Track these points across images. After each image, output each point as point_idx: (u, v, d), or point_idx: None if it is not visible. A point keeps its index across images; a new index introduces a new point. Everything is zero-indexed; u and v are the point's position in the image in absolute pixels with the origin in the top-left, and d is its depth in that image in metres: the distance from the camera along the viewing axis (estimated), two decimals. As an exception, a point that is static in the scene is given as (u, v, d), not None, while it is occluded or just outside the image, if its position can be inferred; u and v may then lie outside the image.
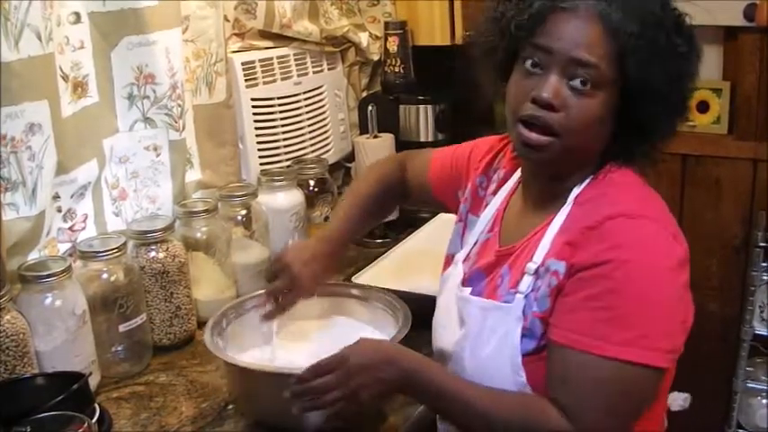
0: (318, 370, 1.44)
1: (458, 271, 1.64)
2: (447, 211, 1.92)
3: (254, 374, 1.64)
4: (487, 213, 1.65)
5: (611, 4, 1.34)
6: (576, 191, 1.44)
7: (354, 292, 1.98)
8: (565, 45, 1.36)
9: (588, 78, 1.36)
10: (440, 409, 1.50)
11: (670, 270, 1.34)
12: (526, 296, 1.43)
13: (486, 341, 1.48)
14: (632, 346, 1.30)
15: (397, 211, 2.70)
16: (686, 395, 1.75)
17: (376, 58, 3.06)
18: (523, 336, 1.42)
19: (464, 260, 1.65)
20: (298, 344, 1.87)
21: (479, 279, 1.58)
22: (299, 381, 1.45)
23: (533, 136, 1.40)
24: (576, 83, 1.37)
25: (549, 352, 1.39)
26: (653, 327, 1.31)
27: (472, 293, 1.58)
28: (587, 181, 1.44)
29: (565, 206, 1.43)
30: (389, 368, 1.44)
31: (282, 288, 1.79)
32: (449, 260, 1.71)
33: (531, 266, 1.43)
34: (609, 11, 1.34)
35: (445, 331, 1.62)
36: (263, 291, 1.86)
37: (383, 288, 1.95)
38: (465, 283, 1.62)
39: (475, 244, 1.65)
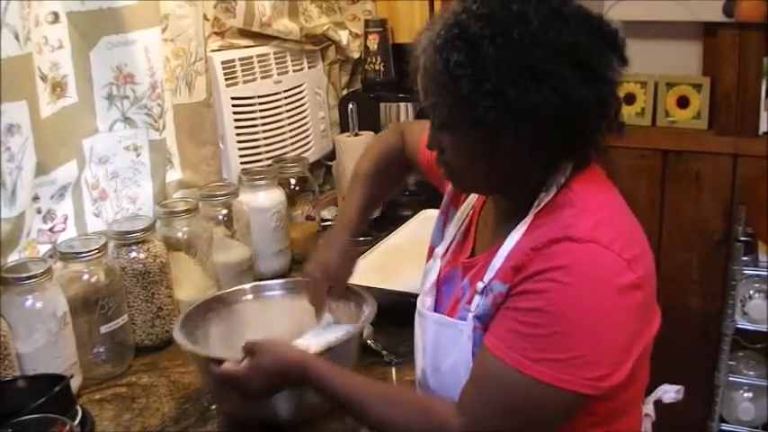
0: (221, 378, 1.57)
1: (436, 266, 1.64)
2: (440, 191, 1.90)
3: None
4: (464, 209, 1.65)
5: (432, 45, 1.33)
6: (536, 206, 1.40)
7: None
8: (419, 91, 1.40)
9: (437, 119, 1.39)
10: (338, 406, 1.50)
11: (608, 297, 1.28)
12: (475, 316, 1.42)
13: (445, 356, 1.49)
14: (548, 367, 1.27)
15: (380, 208, 2.70)
16: (679, 387, 1.74)
17: (356, 56, 3.06)
18: (473, 353, 1.42)
19: (443, 255, 1.65)
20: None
21: (454, 283, 1.57)
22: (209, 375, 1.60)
23: (445, 176, 1.50)
24: (435, 126, 1.41)
25: (478, 352, 1.39)
26: (577, 353, 1.27)
27: (440, 303, 1.59)
28: (551, 193, 1.39)
29: (521, 224, 1.40)
30: (287, 377, 1.51)
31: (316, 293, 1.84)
32: (431, 252, 1.71)
33: (480, 286, 1.42)
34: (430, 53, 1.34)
35: (417, 338, 1.63)
36: (236, 288, 1.96)
37: (357, 285, 1.94)
38: (440, 282, 1.62)
39: (453, 240, 1.65)
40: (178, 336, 1.73)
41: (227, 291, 1.97)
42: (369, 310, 1.77)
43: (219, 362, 1.58)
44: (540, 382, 1.27)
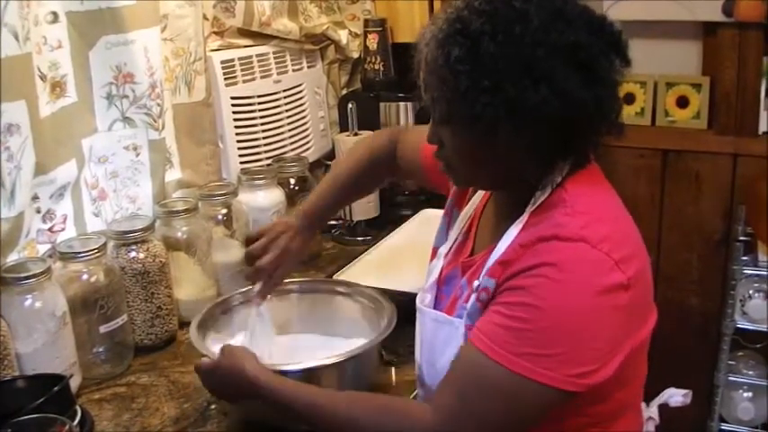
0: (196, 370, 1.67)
1: (439, 265, 1.64)
2: (439, 192, 1.88)
3: None
4: (467, 210, 1.65)
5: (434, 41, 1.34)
6: (532, 205, 1.40)
7: (341, 289, 2.01)
8: (421, 85, 1.41)
9: (437, 113, 1.39)
10: (296, 419, 1.52)
11: (594, 296, 1.28)
12: (467, 314, 1.43)
13: (440, 353, 1.49)
14: (531, 362, 1.27)
15: (379, 208, 2.70)
16: (686, 391, 1.74)
17: (356, 55, 3.05)
18: None
19: (446, 254, 1.65)
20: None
21: (453, 282, 1.58)
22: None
23: (443, 171, 1.50)
24: (435, 120, 1.42)
25: (460, 348, 1.40)
26: (560, 349, 1.27)
27: (439, 301, 1.60)
28: (547, 192, 1.39)
29: (516, 223, 1.40)
30: (238, 387, 1.56)
31: (270, 264, 1.85)
32: (434, 252, 1.71)
33: (476, 284, 1.43)
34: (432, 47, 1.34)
35: (417, 333, 1.64)
36: (247, 288, 1.94)
37: (372, 287, 1.96)
38: (441, 281, 1.62)
39: (455, 241, 1.65)
40: (193, 333, 1.79)
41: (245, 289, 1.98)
42: (387, 319, 1.78)
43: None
44: (521, 376, 1.28)
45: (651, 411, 1.67)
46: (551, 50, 1.26)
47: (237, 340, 1.84)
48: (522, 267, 1.31)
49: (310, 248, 2.49)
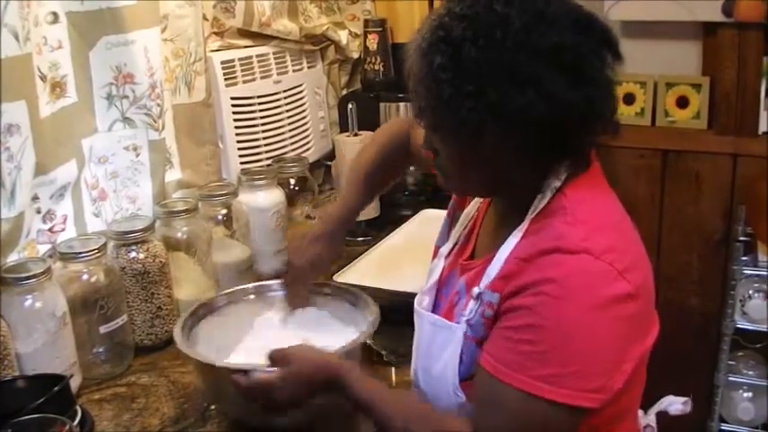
0: (252, 389, 1.54)
1: (440, 266, 1.64)
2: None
3: (221, 372, 1.62)
4: (470, 210, 1.64)
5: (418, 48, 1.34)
6: (532, 212, 1.38)
7: (325, 290, 1.99)
8: (410, 93, 1.39)
9: (426, 121, 1.39)
10: (365, 414, 1.50)
11: (600, 308, 1.26)
12: (467, 322, 1.42)
13: (436, 358, 1.48)
14: (548, 383, 1.26)
15: (379, 208, 2.70)
16: (686, 399, 1.73)
17: (356, 55, 3.06)
18: (461, 359, 1.42)
19: (447, 255, 1.65)
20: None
21: (453, 284, 1.57)
22: (235, 386, 1.54)
23: (438, 179, 1.49)
24: (426, 128, 1.41)
25: (477, 373, 1.38)
26: (573, 366, 1.26)
27: (438, 304, 1.59)
28: (547, 198, 1.38)
29: (517, 230, 1.38)
30: (319, 383, 1.51)
31: (290, 280, 1.93)
32: (436, 252, 1.71)
33: (475, 291, 1.41)
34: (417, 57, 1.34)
35: (415, 336, 1.64)
36: (234, 288, 1.99)
37: (357, 286, 1.96)
38: (441, 283, 1.62)
39: (457, 242, 1.64)
40: (183, 345, 1.73)
41: (228, 291, 1.98)
42: (372, 315, 1.78)
43: (243, 371, 1.55)
44: (540, 398, 1.26)
45: (649, 419, 1.66)
46: (533, 53, 1.24)
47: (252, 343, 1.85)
48: (525, 283, 1.30)
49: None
